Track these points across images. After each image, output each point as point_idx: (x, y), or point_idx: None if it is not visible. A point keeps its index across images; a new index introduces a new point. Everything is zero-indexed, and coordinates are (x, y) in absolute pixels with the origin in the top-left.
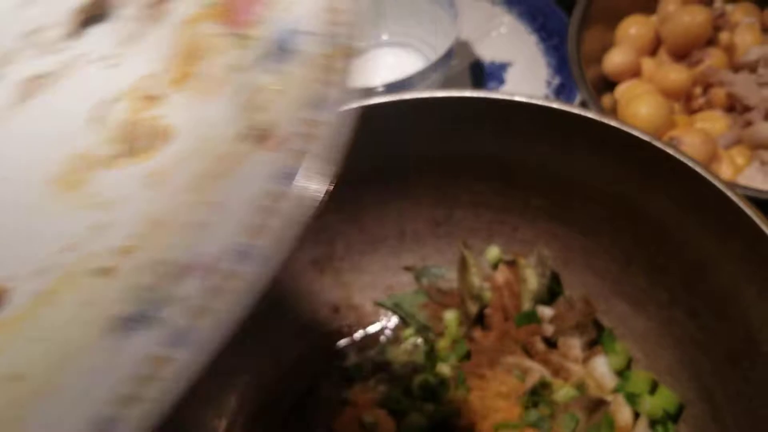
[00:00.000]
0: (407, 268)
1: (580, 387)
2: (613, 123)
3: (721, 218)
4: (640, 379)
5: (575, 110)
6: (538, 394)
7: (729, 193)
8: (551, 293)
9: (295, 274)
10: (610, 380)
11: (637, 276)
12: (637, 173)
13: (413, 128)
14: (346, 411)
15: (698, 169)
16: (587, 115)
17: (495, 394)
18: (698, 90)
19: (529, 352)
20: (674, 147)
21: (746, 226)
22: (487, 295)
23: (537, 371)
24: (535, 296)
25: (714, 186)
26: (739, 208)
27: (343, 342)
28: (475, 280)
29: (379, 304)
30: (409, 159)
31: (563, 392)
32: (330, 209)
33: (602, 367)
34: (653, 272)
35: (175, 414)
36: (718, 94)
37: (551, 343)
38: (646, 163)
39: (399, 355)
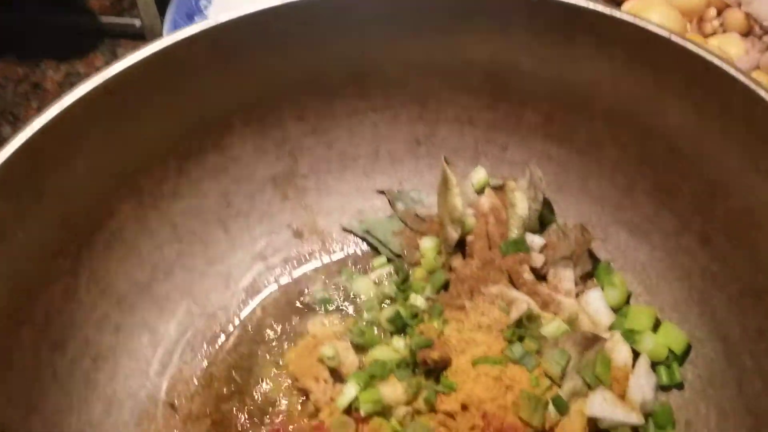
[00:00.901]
0: (381, 192)
1: (572, 323)
2: (624, 17)
3: (750, 124)
4: (641, 314)
5: (580, 3)
6: (523, 328)
7: (762, 93)
8: (542, 222)
9: (250, 192)
10: (606, 316)
11: (641, 201)
12: (650, 78)
13: (392, 26)
14: (303, 344)
15: (726, 67)
16: (594, 8)
17: (474, 327)
18: (712, 11)
19: (515, 283)
20: (697, 44)
21: None
22: (471, 221)
23: (523, 302)
24: (525, 223)
25: (744, 86)
26: None
27: (305, 270)
28: (458, 202)
29: (348, 230)
30: (388, 64)
31: (553, 327)
32: (292, 117)
33: (597, 302)
34: (660, 196)
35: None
36: (735, 15)
37: (541, 276)
38: (662, 64)
39: (367, 285)
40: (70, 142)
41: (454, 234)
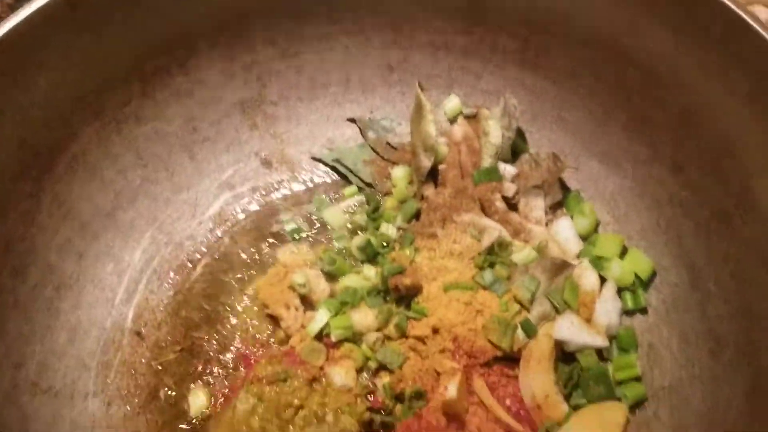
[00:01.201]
0: (352, 120)
1: (542, 250)
2: None
3: (729, 48)
4: (609, 242)
5: None
6: (495, 255)
7: (743, 15)
8: (515, 151)
9: (217, 118)
10: (575, 244)
11: (614, 130)
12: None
13: None
14: (273, 271)
15: None
16: None
17: (446, 254)
18: None
19: (486, 211)
20: None
21: (760, 53)
22: (443, 150)
23: (495, 230)
24: (498, 152)
25: (725, 6)
26: (754, 32)
27: (274, 199)
28: (431, 129)
29: (318, 159)
30: None
31: (523, 254)
32: (261, 40)
33: (567, 230)
34: (634, 124)
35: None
36: None
37: (512, 205)
38: None
39: (338, 215)
40: (28, 57)
41: (426, 162)
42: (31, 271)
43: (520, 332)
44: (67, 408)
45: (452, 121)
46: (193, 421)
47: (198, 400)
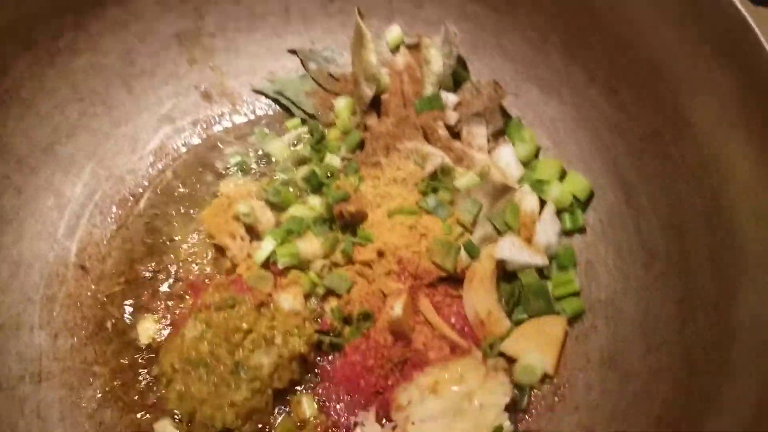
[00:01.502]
0: (292, 51)
1: (484, 176)
2: None
3: None
4: (548, 166)
5: None
6: (437, 181)
7: None
8: (457, 80)
9: (154, 50)
10: (516, 170)
11: (552, 56)
12: None
13: None
14: (217, 202)
15: None
16: None
17: (390, 181)
18: None
19: (429, 139)
20: None
21: None
22: (385, 79)
23: (438, 156)
24: (439, 80)
25: None
26: None
27: (215, 132)
28: (372, 58)
29: (259, 92)
30: None
31: (466, 179)
32: None
33: (508, 157)
34: (571, 50)
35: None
36: None
37: (454, 133)
38: None
39: (281, 147)
40: None
41: (368, 91)
42: None
43: (463, 253)
44: (13, 340)
45: (394, 50)
46: (143, 350)
47: (147, 329)
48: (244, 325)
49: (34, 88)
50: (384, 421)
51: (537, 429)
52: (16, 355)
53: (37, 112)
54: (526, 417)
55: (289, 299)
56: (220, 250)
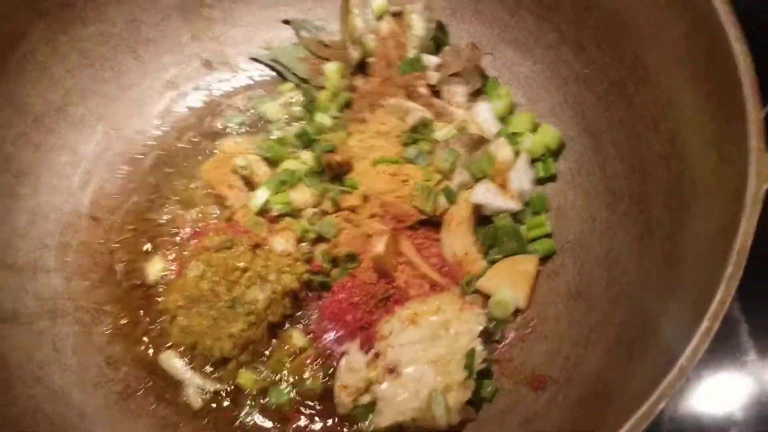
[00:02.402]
0: (286, 22)
1: (462, 129)
2: None
3: None
4: (522, 119)
5: None
6: (418, 132)
7: None
8: (438, 45)
9: (157, 20)
10: (493, 125)
11: (525, 18)
12: None
13: None
14: (217, 157)
15: None
16: None
17: (374, 134)
18: None
19: (411, 97)
20: None
21: None
22: (371, 44)
23: (418, 111)
24: (421, 43)
25: None
26: None
27: (215, 96)
28: (358, 22)
29: (255, 59)
30: None
31: (444, 131)
32: None
33: (486, 113)
34: (542, 12)
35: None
36: None
37: (436, 93)
38: None
39: (275, 108)
40: None
41: (355, 53)
42: None
43: (442, 198)
44: (31, 282)
45: (379, 18)
46: (149, 292)
47: (155, 268)
48: (241, 264)
49: (48, 53)
50: (367, 349)
51: (509, 357)
52: (34, 295)
53: (51, 76)
54: (499, 347)
55: (282, 242)
56: (220, 202)
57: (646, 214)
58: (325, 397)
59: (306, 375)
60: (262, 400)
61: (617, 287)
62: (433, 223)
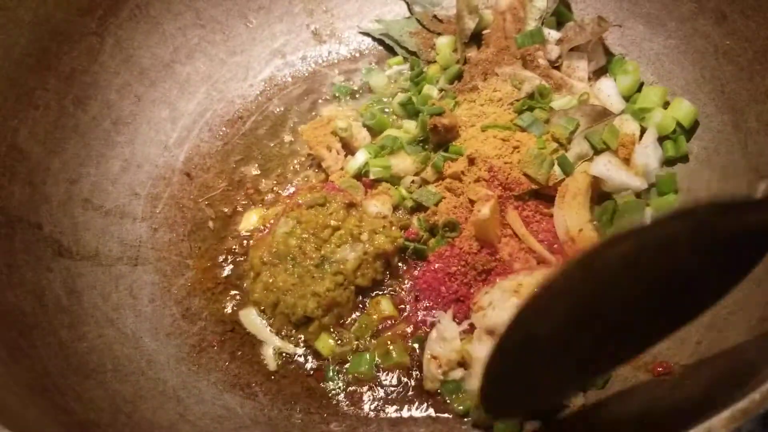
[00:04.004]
0: None
1: (584, 101)
2: None
3: None
4: (652, 93)
5: None
6: (535, 101)
7: None
8: (560, 22)
9: None
10: (617, 103)
11: None
12: None
13: None
14: (318, 119)
15: None
16: None
17: (486, 101)
18: None
19: (528, 67)
20: None
21: None
22: (489, 17)
23: (536, 79)
24: (543, 16)
25: None
26: None
27: (322, 67)
28: None
29: (365, 33)
30: None
31: (564, 101)
32: None
33: (609, 89)
34: None
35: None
36: None
37: (555, 68)
38: None
39: (383, 80)
40: None
41: (470, 23)
42: (92, 104)
43: (556, 168)
44: (116, 226)
45: None
46: (235, 250)
47: (249, 221)
48: (333, 222)
49: (162, 8)
50: (461, 320)
51: None
52: (118, 239)
53: (162, 32)
54: None
55: (377, 205)
56: (317, 163)
57: None
58: (410, 370)
59: (392, 347)
60: (339, 368)
61: (759, 267)
62: (544, 197)
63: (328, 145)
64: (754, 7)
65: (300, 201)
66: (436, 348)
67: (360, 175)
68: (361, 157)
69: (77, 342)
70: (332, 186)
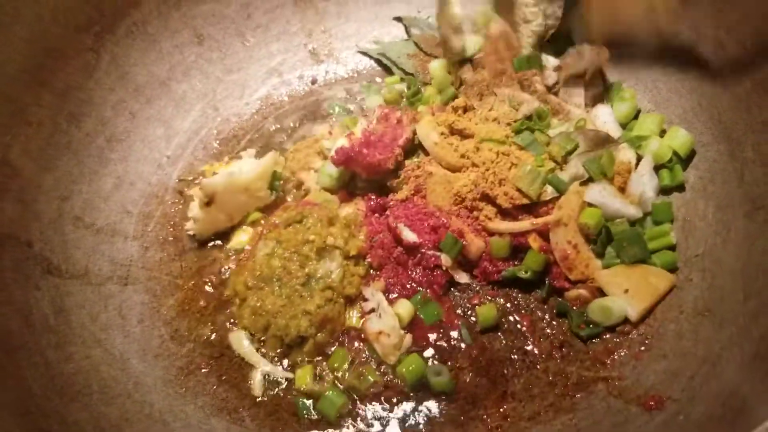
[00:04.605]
0: (398, 19)
1: (581, 128)
2: None
3: None
4: (649, 121)
5: None
6: (533, 123)
7: None
8: (558, 51)
9: (271, 7)
10: (613, 129)
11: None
12: None
13: None
14: (303, 141)
15: None
16: None
17: (482, 119)
18: None
19: (525, 91)
20: None
21: None
22: (480, 41)
23: (534, 101)
24: (540, 38)
25: None
26: None
27: (318, 87)
28: (455, 10)
29: (363, 53)
30: None
31: (561, 129)
32: None
33: (606, 116)
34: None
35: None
36: None
37: (553, 95)
38: None
39: (379, 97)
40: None
41: (456, 42)
42: (86, 121)
43: (549, 187)
44: (107, 245)
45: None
46: (226, 269)
47: (240, 237)
48: (312, 237)
49: (160, 26)
50: None
51: (619, 376)
52: (108, 258)
53: (159, 49)
54: (607, 364)
55: (348, 210)
56: (298, 186)
57: None
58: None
59: (364, 369)
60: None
61: (755, 301)
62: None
63: (310, 167)
64: (752, 36)
65: (276, 221)
66: (377, 325)
67: (335, 187)
68: (332, 169)
69: (63, 363)
70: (306, 202)
